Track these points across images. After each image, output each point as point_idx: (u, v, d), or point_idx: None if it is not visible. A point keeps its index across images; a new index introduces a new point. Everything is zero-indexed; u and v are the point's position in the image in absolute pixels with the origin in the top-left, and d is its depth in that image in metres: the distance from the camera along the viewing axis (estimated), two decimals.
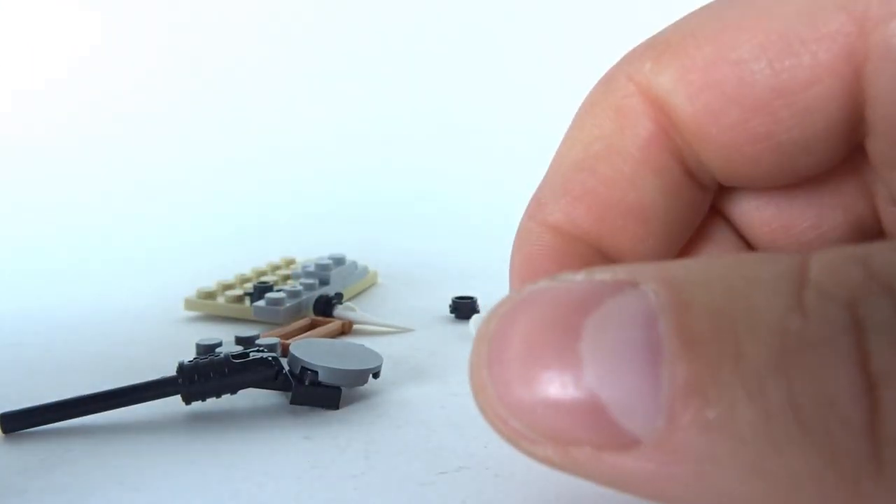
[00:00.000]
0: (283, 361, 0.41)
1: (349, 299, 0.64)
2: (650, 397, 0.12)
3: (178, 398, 0.39)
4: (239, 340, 0.49)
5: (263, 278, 0.65)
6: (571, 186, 0.20)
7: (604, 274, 0.14)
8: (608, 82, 0.20)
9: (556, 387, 0.13)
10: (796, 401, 0.11)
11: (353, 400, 0.42)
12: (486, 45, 1.23)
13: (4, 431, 0.37)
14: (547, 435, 0.14)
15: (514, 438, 0.14)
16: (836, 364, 0.11)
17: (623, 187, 0.19)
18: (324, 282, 0.63)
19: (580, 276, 0.14)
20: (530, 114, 1.08)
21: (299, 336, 0.52)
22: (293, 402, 0.40)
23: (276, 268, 0.70)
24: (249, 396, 0.42)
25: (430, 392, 0.43)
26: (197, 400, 0.39)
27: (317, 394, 0.40)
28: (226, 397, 0.40)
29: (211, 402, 0.41)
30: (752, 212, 0.21)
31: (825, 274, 0.12)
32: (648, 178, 0.19)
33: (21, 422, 0.38)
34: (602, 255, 0.20)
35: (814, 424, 0.11)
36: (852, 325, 0.11)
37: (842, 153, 0.17)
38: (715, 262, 0.13)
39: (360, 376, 0.41)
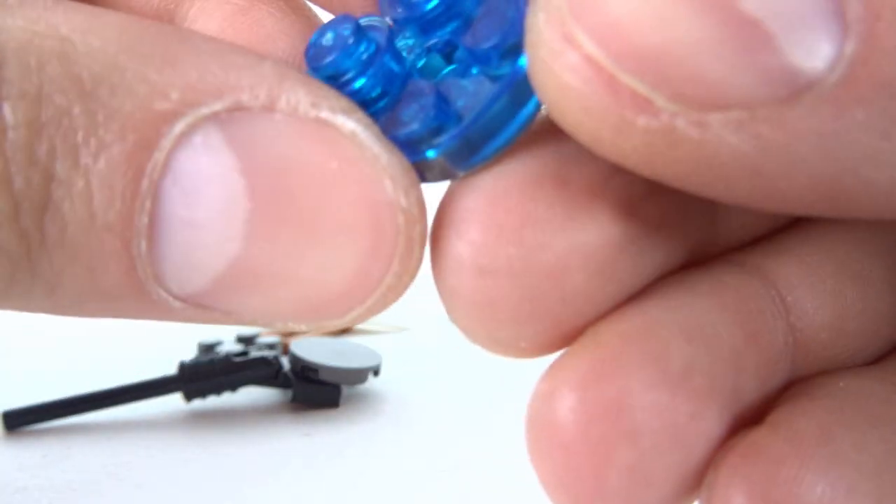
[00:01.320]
0: (284, 360, 0.41)
1: None
2: (834, 15, 0.09)
3: (178, 396, 0.39)
4: (240, 339, 0.49)
5: None
6: None
7: None
8: None
9: (700, 18, 0.09)
10: None
11: (353, 398, 0.42)
12: None
13: (7, 429, 0.37)
14: (680, 92, 0.09)
15: (611, 109, 0.09)
16: None
17: None
18: None
19: None
20: None
21: (300, 335, 0.52)
22: (293, 400, 0.41)
23: None
24: (250, 394, 0.42)
25: (429, 390, 0.43)
26: (198, 397, 0.39)
27: (317, 392, 0.40)
28: (226, 395, 0.41)
29: (212, 400, 0.41)
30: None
31: None
32: None
33: (24, 419, 0.38)
34: None
35: None
36: None
37: None
38: None
39: (361, 374, 0.41)
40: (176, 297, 0.11)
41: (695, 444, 0.12)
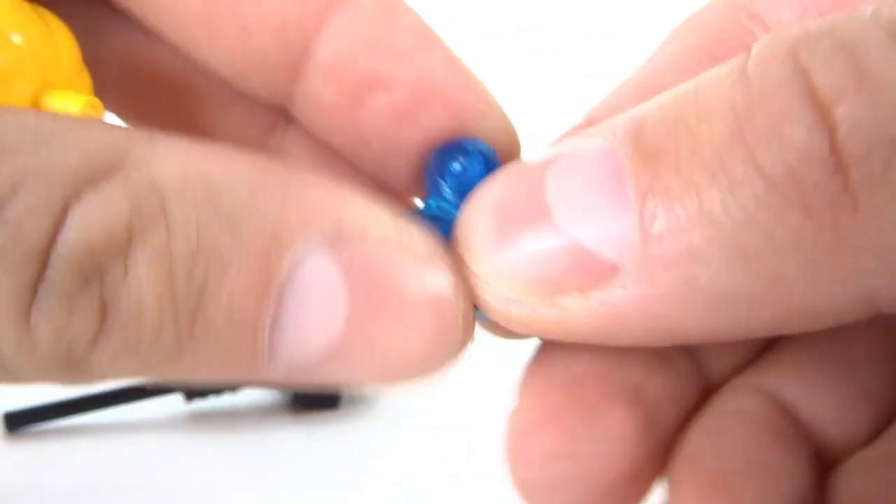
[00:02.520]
0: None
1: None
2: (622, 219, 0.12)
3: (179, 396, 0.39)
4: None
5: None
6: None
7: (557, 143, 0.14)
8: None
9: (533, 239, 0.13)
10: (756, 161, 0.11)
11: (353, 399, 0.42)
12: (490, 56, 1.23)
13: (8, 429, 0.38)
14: (532, 289, 0.13)
15: (503, 308, 0.14)
16: (788, 107, 0.11)
17: None
18: None
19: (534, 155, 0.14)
20: (530, 115, 1.08)
21: None
22: (294, 401, 0.41)
23: None
24: (250, 395, 0.42)
25: (430, 392, 0.43)
26: (198, 398, 0.39)
27: (317, 393, 0.40)
28: (227, 396, 0.41)
29: (212, 401, 0.41)
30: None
31: (764, 45, 0.12)
32: None
33: (25, 420, 0.38)
34: None
35: (778, 174, 0.11)
36: (795, 70, 0.11)
37: None
38: (667, 92, 0.13)
39: None
40: (279, 373, 0.14)
41: None
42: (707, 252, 0.12)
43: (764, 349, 0.17)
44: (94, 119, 0.14)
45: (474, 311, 0.15)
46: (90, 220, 0.12)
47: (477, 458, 0.35)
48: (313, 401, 0.41)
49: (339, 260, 0.13)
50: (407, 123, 0.17)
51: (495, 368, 0.45)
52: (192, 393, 0.39)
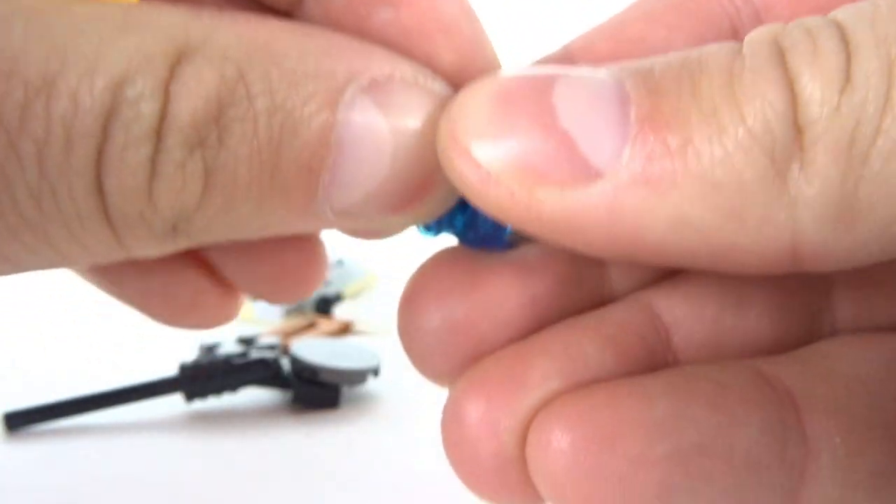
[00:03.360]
0: (284, 361, 0.42)
1: (349, 300, 0.64)
2: (619, 133, 0.14)
3: (179, 397, 0.39)
4: (240, 340, 0.49)
5: None
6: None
7: (540, 64, 0.16)
8: None
9: (532, 128, 0.14)
10: (742, 113, 0.13)
11: (352, 399, 0.42)
12: None
13: (9, 429, 0.38)
14: (515, 174, 0.14)
15: (481, 186, 0.15)
16: (769, 77, 0.13)
17: None
18: (324, 282, 0.63)
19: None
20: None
21: (300, 335, 0.52)
22: (293, 400, 0.41)
23: None
24: (250, 395, 0.42)
25: (430, 390, 0.43)
26: (198, 398, 0.39)
27: (317, 393, 0.40)
28: (227, 396, 0.41)
29: (212, 401, 0.41)
30: None
31: (757, 32, 0.14)
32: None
33: (25, 420, 0.38)
34: None
35: (757, 126, 0.13)
36: (773, 51, 0.14)
37: None
38: (673, 52, 0.15)
39: (360, 375, 0.41)
40: (333, 211, 0.16)
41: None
42: (684, 179, 0.13)
43: (664, 277, 0.19)
44: (148, 3, 0.15)
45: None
46: (190, 93, 0.14)
47: None
48: (313, 401, 0.41)
49: (376, 102, 0.16)
50: (407, 45, 0.17)
51: None
52: (192, 393, 0.39)
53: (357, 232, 0.19)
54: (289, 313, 0.58)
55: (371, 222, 0.17)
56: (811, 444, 0.17)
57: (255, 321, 0.58)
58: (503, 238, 0.18)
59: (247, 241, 0.19)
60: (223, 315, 0.23)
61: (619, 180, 0.14)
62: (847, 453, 0.17)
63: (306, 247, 0.22)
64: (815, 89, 0.13)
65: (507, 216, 0.15)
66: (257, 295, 0.23)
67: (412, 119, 0.16)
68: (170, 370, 0.40)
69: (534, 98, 0.15)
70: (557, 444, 0.16)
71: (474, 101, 0.15)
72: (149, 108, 0.14)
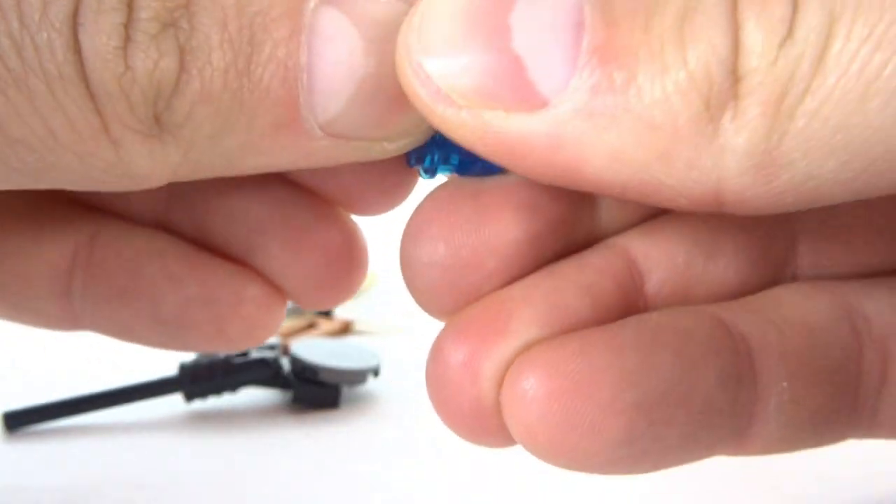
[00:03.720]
0: (284, 361, 0.42)
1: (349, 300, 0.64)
2: (569, 62, 0.14)
3: (179, 397, 0.39)
4: None
5: None
6: None
7: None
8: None
9: (485, 49, 0.14)
10: (685, 55, 0.14)
11: (353, 399, 0.42)
12: None
13: (8, 429, 0.38)
14: (464, 93, 0.15)
15: (430, 101, 0.15)
16: (717, 22, 0.14)
17: None
18: None
19: None
20: None
21: (300, 335, 0.52)
22: (294, 400, 0.41)
23: None
24: (250, 395, 0.42)
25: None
26: (198, 398, 0.39)
27: (317, 393, 0.40)
28: (227, 396, 0.41)
29: (212, 401, 0.41)
30: None
31: None
32: None
33: (24, 420, 0.38)
34: None
35: (698, 70, 0.13)
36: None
37: None
38: None
39: (361, 375, 0.41)
40: (320, 127, 0.16)
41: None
42: (623, 117, 0.14)
43: (647, 218, 0.20)
44: None
45: None
46: None
47: (477, 458, 0.35)
48: (313, 401, 0.41)
49: (340, 5, 0.16)
50: None
51: None
52: (192, 393, 0.39)
53: (353, 161, 0.19)
54: (289, 313, 0.58)
55: (361, 145, 0.17)
56: (760, 388, 0.18)
57: None
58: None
59: (283, 226, 0.21)
60: (268, 324, 0.23)
61: (562, 111, 0.14)
62: (791, 398, 0.18)
63: (348, 239, 0.23)
64: (756, 39, 0.13)
65: (454, 135, 0.15)
66: (300, 296, 0.23)
67: (381, 25, 0.16)
68: (170, 370, 0.40)
69: (491, 16, 0.15)
70: (531, 391, 0.17)
71: (431, 14, 0.15)
72: None
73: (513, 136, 0.15)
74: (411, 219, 0.18)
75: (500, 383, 0.17)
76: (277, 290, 0.23)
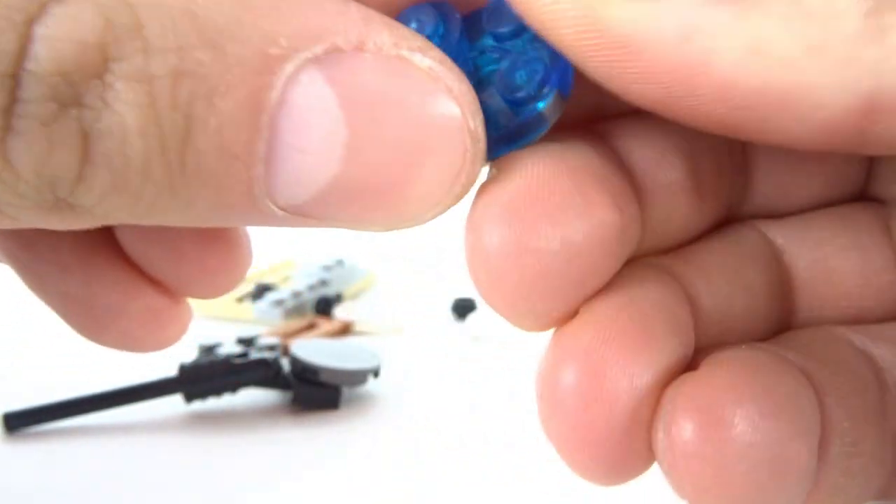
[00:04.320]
0: (284, 361, 0.42)
1: (349, 300, 0.64)
2: None
3: (178, 398, 0.39)
4: (240, 341, 0.49)
5: (264, 279, 0.65)
6: None
7: None
8: None
9: None
10: None
11: (353, 399, 0.42)
12: None
13: (7, 430, 0.38)
14: None
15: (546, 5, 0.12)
16: None
17: None
18: (324, 283, 0.63)
19: None
20: None
21: (300, 336, 0.52)
22: (294, 401, 0.41)
23: (276, 269, 0.70)
24: (250, 396, 0.42)
25: (430, 391, 0.43)
26: (198, 399, 0.39)
27: (317, 393, 0.40)
28: (227, 397, 0.41)
29: (212, 402, 0.41)
30: None
31: None
32: None
33: (24, 421, 0.38)
34: None
35: None
36: None
37: None
38: None
39: (361, 376, 0.41)
40: (281, 209, 0.13)
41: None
42: None
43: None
44: None
45: (484, 140, 0.14)
46: (58, 34, 0.11)
47: (477, 458, 0.35)
48: (313, 401, 0.41)
49: (331, 80, 0.12)
50: None
51: (495, 369, 0.45)
52: (191, 394, 0.39)
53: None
54: (289, 314, 0.58)
55: (337, 223, 0.14)
56: (826, 429, 0.16)
57: (255, 321, 0.58)
58: (544, 122, 0.15)
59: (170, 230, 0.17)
60: (162, 331, 0.20)
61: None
62: (853, 440, 0.16)
63: (229, 238, 0.20)
64: None
65: (550, 29, 0.12)
66: (180, 291, 0.20)
67: (380, 105, 0.13)
68: (169, 371, 0.40)
69: None
70: (697, 444, 0.14)
71: None
72: (2, 46, 0.11)
73: (634, 29, 0.12)
74: (494, 197, 0.15)
75: (639, 415, 0.15)
76: (173, 295, 0.20)
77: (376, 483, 0.32)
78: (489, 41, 0.15)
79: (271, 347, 0.46)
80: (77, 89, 0.11)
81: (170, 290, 0.20)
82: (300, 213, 0.13)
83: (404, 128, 0.13)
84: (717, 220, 0.18)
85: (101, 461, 0.35)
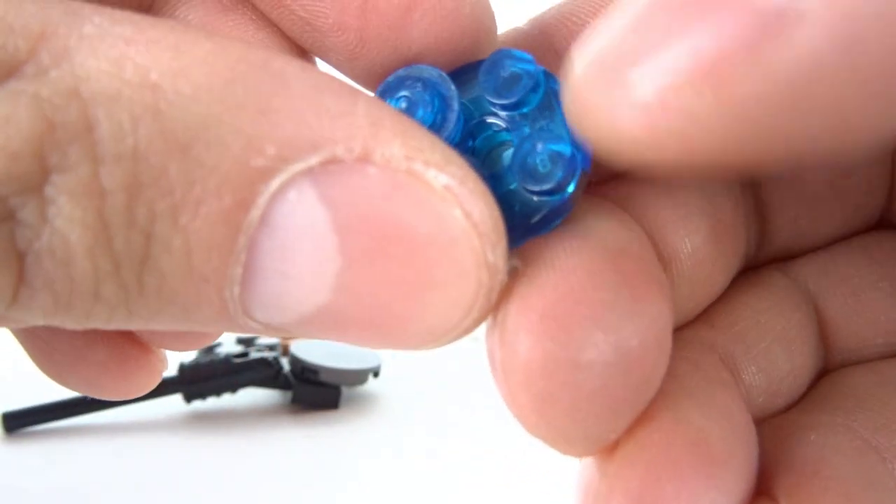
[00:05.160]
0: (284, 361, 0.42)
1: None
2: None
3: (178, 397, 0.39)
4: (240, 340, 0.49)
5: None
6: None
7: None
8: None
9: (718, 22, 0.09)
10: None
11: (353, 399, 0.42)
12: None
13: (7, 430, 0.38)
14: (693, 73, 0.09)
15: (641, 115, 0.09)
16: None
17: None
18: None
19: None
20: None
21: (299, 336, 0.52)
22: (294, 401, 0.41)
23: None
24: (250, 396, 0.42)
25: (429, 391, 0.43)
26: (197, 399, 0.39)
27: (317, 393, 0.40)
28: (226, 397, 0.41)
29: (211, 402, 0.41)
30: None
31: None
32: None
33: (24, 421, 0.38)
34: None
35: None
36: None
37: None
38: None
39: (360, 376, 0.41)
40: (259, 324, 0.11)
41: None
42: None
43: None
44: None
45: (505, 271, 0.12)
46: None
47: (476, 458, 0.35)
48: (313, 401, 0.40)
49: (327, 198, 0.10)
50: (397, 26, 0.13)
51: None
52: (191, 394, 0.39)
53: None
54: None
55: (324, 337, 0.12)
56: None
57: None
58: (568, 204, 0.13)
59: None
60: (128, 380, 0.19)
61: (826, 17, 0.09)
62: None
63: None
64: None
65: (691, 141, 0.09)
66: (153, 341, 0.19)
67: (382, 231, 0.10)
68: (169, 371, 0.40)
69: None
70: None
71: (612, 26, 0.10)
72: None
73: (763, 83, 0.09)
74: (527, 301, 0.12)
75: None
76: (137, 345, 0.19)
77: (376, 482, 0.32)
78: (488, 106, 0.13)
79: (271, 347, 0.46)
80: (7, 204, 0.09)
81: (139, 340, 0.18)
82: (283, 330, 0.11)
83: (409, 259, 0.11)
84: (739, 269, 0.17)
85: (101, 461, 0.34)
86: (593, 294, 0.12)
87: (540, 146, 0.12)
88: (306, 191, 0.10)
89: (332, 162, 0.10)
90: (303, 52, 0.15)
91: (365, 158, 0.10)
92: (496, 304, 0.12)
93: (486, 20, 0.13)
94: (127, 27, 0.10)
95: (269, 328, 0.11)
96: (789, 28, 0.09)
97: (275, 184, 0.10)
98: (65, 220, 0.10)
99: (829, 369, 0.18)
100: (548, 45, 0.15)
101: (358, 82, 0.14)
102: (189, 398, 0.39)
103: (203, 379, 0.39)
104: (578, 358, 0.12)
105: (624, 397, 0.12)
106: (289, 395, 0.41)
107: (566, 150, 0.12)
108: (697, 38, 0.09)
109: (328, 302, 0.11)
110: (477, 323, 0.12)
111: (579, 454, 0.13)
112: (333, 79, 0.11)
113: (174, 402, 0.40)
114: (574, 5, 0.15)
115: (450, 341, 0.12)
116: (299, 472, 0.33)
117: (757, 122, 0.09)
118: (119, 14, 0.10)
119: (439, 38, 0.13)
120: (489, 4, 0.13)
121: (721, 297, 0.17)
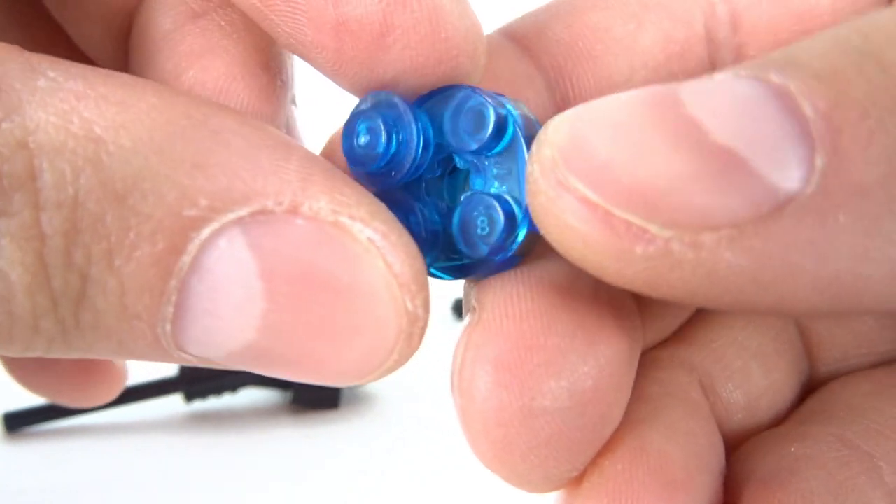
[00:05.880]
0: None
1: None
2: (799, 136, 0.09)
3: (179, 397, 0.39)
4: None
5: None
6: None
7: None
8: None
9: (678, 153, 0.10)
10: None
11: (352, 399, 0.42)
12: None
13: (8, 430, 0.38)
14: (672, 219, 0.10)
15: (623, 242, 0.10)
16: None
17: None
18: None
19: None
20: None
21: None
22: (293, 401, 0.41)
23: None
24: (250, 396, 0.42)
25: (429, 392, 0.43)
26: (198, 399, 0.39)
27: (317, 393, 0.40)
28: (227, 396, 0.41)
29: (212, 402, 0.41)
30: None
31: None
32: None
33: (24, 421, 0.38)
34: None
35: None
36: None
37: None
38: (820, 36, 0.11)
39: None
40: (193, 357, 0.12)
41: None
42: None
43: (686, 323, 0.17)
44: None
45: (427, 317, 0.13)
46: None
47: (475, 459, 0.35)
48: (313, 401, 0.41)
49: (255, 246, 0.11)
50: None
51: None
52: (191, 394, 0.39)
53: None
54: None
55: (254, 371, 0.13)
56: None
57: None
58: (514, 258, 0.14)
59: None
60: (91, 389, 0.20)
61: (819, 201, 0.09)
62: None
63: None
64: None
65: (651, 280, 0.10)
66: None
67: (305, 279, 0.11)
68: (170, 370, 0.40)
69: (664, 115, 0.10)
70: None
71: (590, 140, 0.10)
72: None
73: (754, 257, 0.10)
74: (481, 350, 0.13)
75: None
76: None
77: (376, 482, 0.32)
78: (452, 145, 0.14)
79: None
80: None
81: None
82: (216, 363, 0.12)
83: (332, 306, 0.11)
84: None
85: (101, 461, 0.35)
86: (545, 341, 0.12)
87: (481, 208, 0.13)
88: (236, 239, 0.11)
89: (262, 213, 0.11)
90: (275, 58, 0.15)
91: (293, 211, 0.11)
92: (416, 346, 0.13)
93: (468, 44, 0.13)
94: (79, 82, 0.11)
95: (202, 360, 0.12)
96: (776, 212, 0.10)
97: (206, 232, 0.11)
98: (6, 260, 0.10)
99: (816, 381, 0.18)
100: (523, 50, 0.16)
101: (346, 90, 0.14)
102: (189, 398, 0.39)
103: (203, 379, 0.39)
104: (532, 406, 0.12)
105: (581, 438, 0.13)
106: (289, 394, 0.41)
107: (513, 209, 0.13)
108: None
109: (254, 341, 0.12)
110: (399, 364, 0.13)
111: (542, 492, 0.14)
112: (270, 135, 0.12)
113: (174, 402, 0.40)
114: (548, 14, 0.16)
115: (374, 379, 0.13)
116: (299, 471, 0.33)
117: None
118: (75, 69, 0.11)
119: (416, 63, 0.13)
120: (476, 26, 0.13)
121: (698, 314, 0.17)
